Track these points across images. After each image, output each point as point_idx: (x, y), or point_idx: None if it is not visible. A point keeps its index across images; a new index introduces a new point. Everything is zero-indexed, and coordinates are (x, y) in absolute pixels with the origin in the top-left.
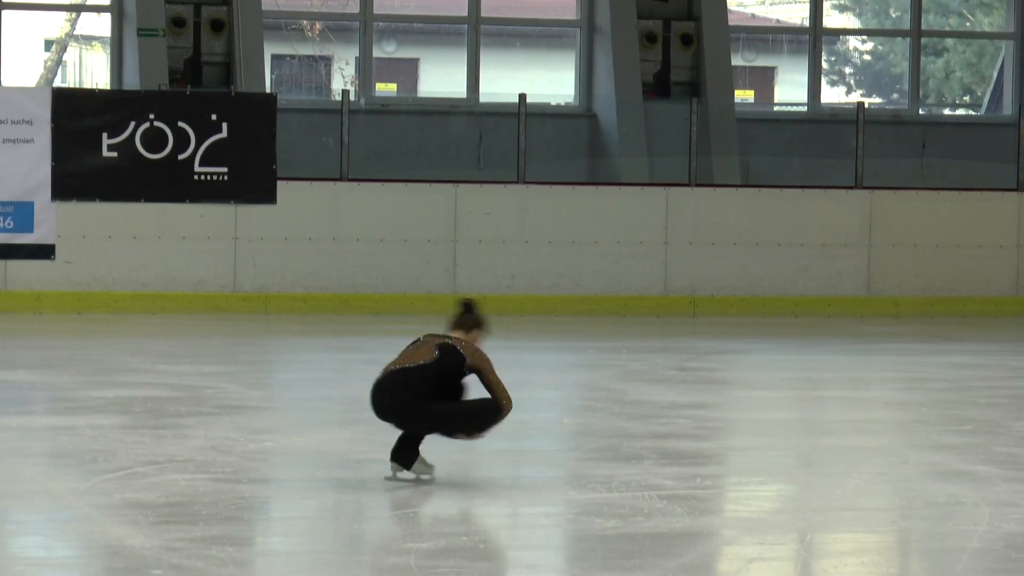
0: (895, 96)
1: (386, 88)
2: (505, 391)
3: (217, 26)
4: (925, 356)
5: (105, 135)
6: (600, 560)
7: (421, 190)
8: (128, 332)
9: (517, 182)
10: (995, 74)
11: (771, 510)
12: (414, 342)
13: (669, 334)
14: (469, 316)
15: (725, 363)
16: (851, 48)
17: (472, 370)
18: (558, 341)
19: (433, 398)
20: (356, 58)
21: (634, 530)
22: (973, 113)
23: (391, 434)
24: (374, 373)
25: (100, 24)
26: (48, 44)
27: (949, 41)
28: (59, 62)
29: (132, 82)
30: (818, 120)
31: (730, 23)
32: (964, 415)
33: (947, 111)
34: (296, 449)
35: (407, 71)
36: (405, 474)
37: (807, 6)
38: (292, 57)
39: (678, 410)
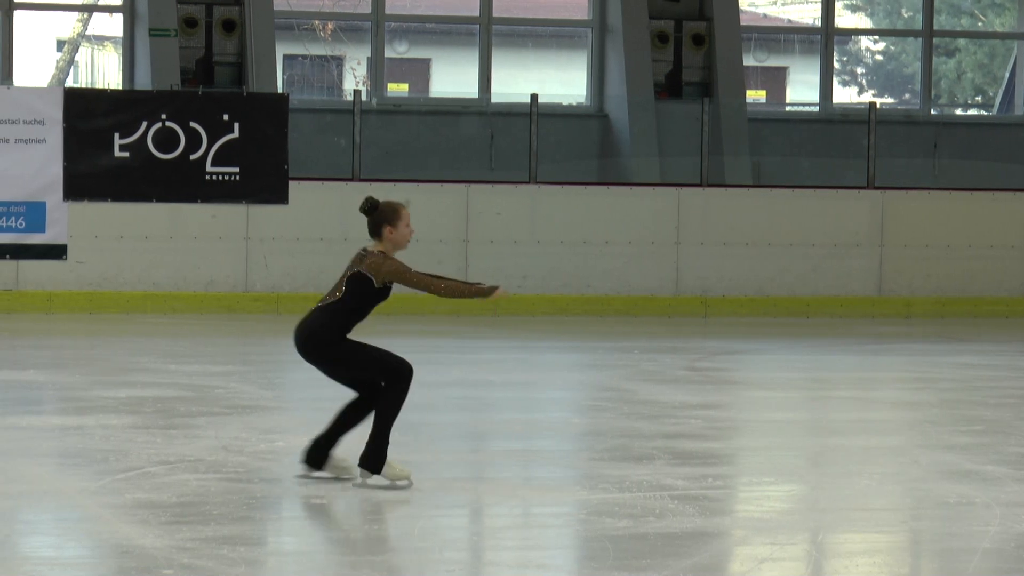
0: (907, 96)
1: (398, 88)
2: (434, 280)
3: (229, 26)
4: (936, 356)
5: (117, 135)
6: (611, 560)
7: (432, 190)
8: (139, 332)
9: (528, 182)
10: (1007, 74)
11: (782, 510)
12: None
13: (680, 334)
14: (372, 218)
15: (736, 363)
16: (863, 48)
17: (389, 282)
18: (569, 341)
19: (346, 333)
20: (368, 58)
21: (645, 530)
22: (985, 113)
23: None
24: None
25: (112, 24)
26: (60, 44)
27: (961, 41)
28: (71, 62)
29: (144, 82)
30: (830, 120)
31: (742, 23)
32: (975, 415)
33: (959, 111)
34: None
35: (419, 71)
36: (318, 474)
37: (819, 6)
38: (304, 57)
39: (689, 410)
